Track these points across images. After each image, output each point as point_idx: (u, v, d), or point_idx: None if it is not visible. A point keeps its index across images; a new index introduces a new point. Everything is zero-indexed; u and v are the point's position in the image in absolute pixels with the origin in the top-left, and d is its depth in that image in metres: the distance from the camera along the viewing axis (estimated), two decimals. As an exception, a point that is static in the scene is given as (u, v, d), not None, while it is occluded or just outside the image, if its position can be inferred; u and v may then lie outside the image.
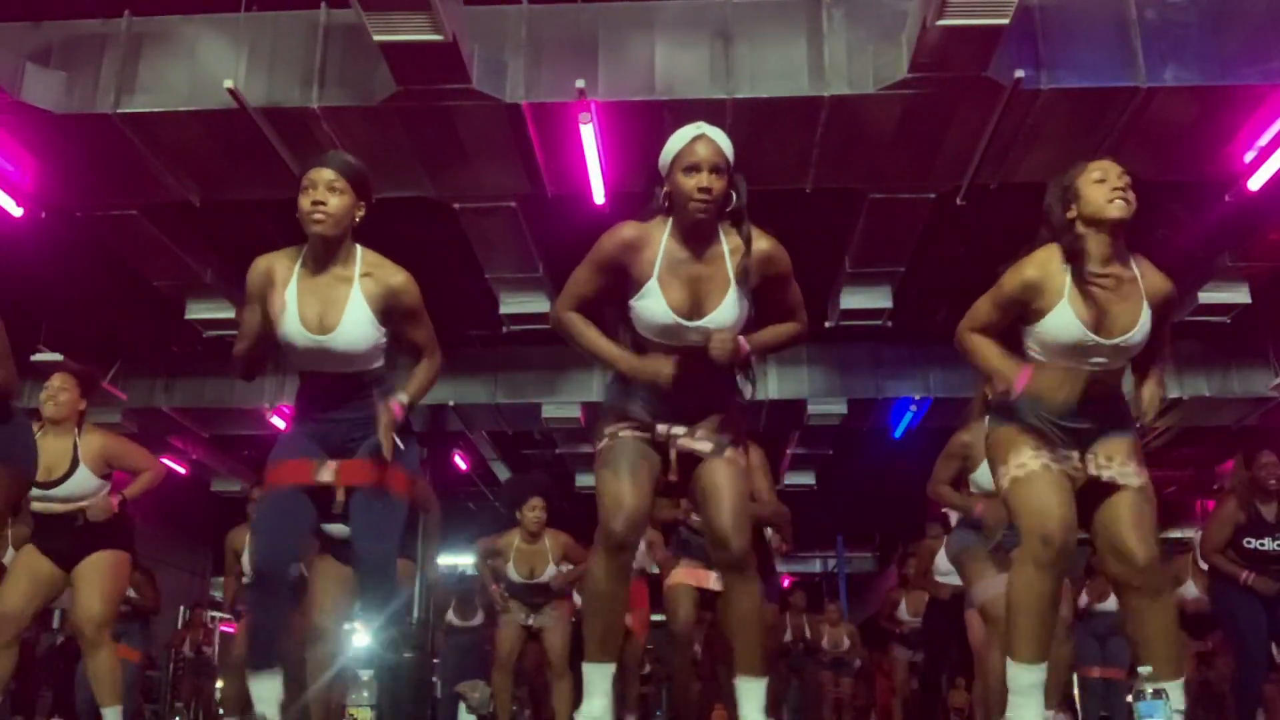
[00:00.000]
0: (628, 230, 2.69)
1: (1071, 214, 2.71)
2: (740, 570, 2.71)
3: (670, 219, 2.70)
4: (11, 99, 5.58)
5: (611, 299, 2.77)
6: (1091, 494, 2.71)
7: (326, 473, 2.88)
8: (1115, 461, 2.70)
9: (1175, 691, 2.58)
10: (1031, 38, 5.55)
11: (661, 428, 2.74)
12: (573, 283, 2.77)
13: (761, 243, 2.69)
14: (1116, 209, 2.64)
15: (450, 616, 7.58)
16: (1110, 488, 2.70)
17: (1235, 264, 7.45)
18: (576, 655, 5.78)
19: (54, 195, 6.46)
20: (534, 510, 5.74)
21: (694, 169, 2.61)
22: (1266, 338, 9.20)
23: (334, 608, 4.01)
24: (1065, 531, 2.61)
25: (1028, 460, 2.70)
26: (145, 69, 5.80)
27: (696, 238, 2.68)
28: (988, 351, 2.78)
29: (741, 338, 2.68)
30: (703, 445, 2.74)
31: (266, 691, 2.89)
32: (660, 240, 2.68)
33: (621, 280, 2.71)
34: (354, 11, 5.02)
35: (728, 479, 2.72)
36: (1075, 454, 2.73)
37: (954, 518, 5.96)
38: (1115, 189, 2.66)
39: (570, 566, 5.78)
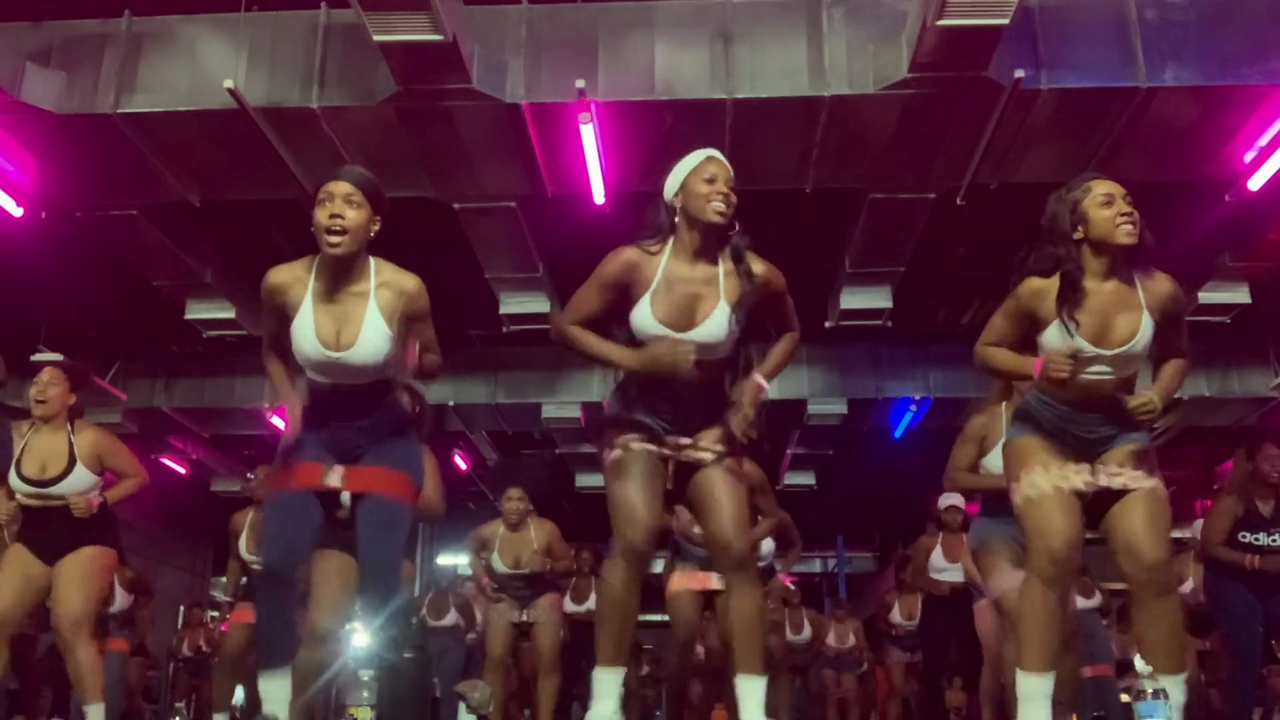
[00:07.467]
0: (629, 253, 2.81)
1: (1078, 235, 2.77)
2: (742, 572, 2.81)
3: (671, 240, 2.82)
4: (11, 99, 5.58)
5: (613, 316, 2.86)
6: (1105, 498, 2.83)
7: (334, 477, 2.91)
8: (1126, 468, 2.82)
9: (1177, 686, 2.66)
10: (1031, 38, 5.55)
11: (669, 439, 2.84)
12: (576, 300, 2.88)
13: (757, 266, 2.82)
14: (1125, 235, 2.72)
15: (424, 615, 7.45)
16: (1123, 492, 2.80)
17: (1235, 264, 7.45)
18: (564, 653, 5.79)
19: (54, 195, 6.45)
20: (510, 501, 5.66)
21: (712, 180, 2.75)
22: (1266, 338, 9.19)
23: (336, 607, 4.00)
24: (1070, 551, 2.77)
25: (1039, 480, 2.82)
26: (145, 69, 5.80)
27: (696, 258, 2.80)
28: (1002, 356, 2.91)
29: (759, 377, 2.84)
30: (703, 455, 2.85)
31: (275, 691, 2.89)
32: (660, 260, 2.80)
33: (622, 299, 2.81)
34: (354, 11, 5.02)
35: (725, 486, 2.83)
36: (1086, 467, 2.83)
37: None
38: (1123, 214, 2.73)
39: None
